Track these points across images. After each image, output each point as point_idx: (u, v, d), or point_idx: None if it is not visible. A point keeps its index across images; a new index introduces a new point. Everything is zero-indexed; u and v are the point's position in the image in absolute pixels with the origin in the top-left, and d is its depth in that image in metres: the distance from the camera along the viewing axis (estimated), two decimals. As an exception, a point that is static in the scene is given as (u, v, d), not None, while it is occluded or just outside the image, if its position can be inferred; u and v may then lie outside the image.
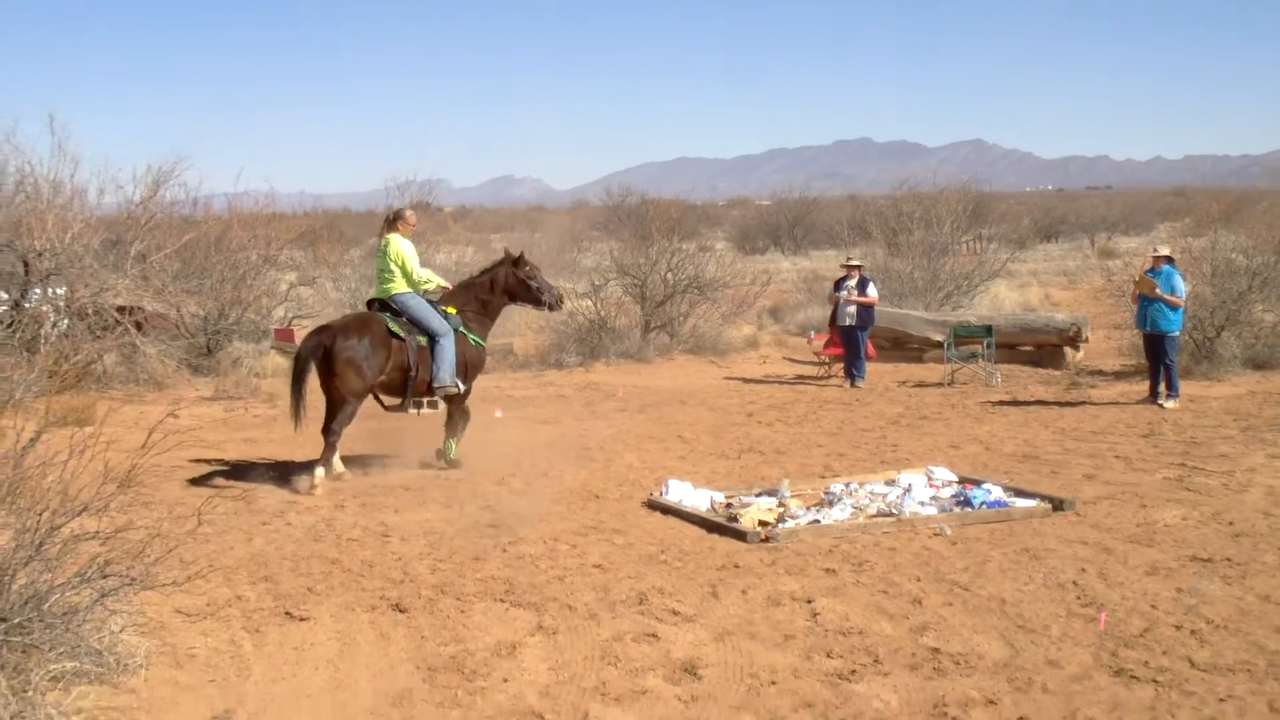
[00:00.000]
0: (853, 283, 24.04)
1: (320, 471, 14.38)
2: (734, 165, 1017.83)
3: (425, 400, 15.46)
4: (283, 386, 23.10)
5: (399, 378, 15.02)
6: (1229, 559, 10.93)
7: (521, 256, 16.13)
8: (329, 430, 14.65)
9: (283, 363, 25.44)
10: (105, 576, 8.02)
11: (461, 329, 15.49)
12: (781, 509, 12.83)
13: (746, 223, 77.71)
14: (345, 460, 14.99)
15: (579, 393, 22.65)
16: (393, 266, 15.23)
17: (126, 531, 8.52)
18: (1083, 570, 10.66)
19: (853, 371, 23.95)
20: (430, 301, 15.44)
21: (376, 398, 15.23)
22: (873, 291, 24.23)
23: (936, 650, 8.71)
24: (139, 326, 22.78)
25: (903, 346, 27.78)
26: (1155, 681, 8.06)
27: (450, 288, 15.83)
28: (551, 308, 16.53)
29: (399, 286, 15.22)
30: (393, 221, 15.53)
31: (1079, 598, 9.92)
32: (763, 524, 12.22)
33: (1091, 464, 15.46)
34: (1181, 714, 7.60)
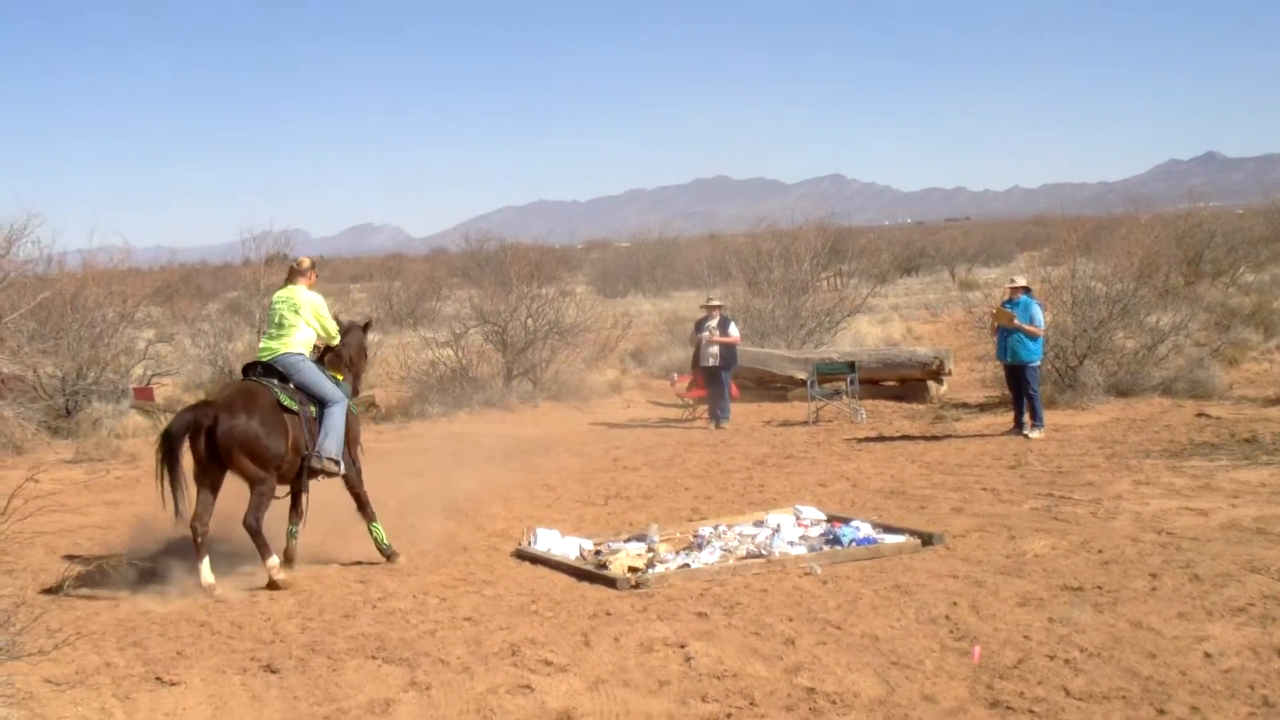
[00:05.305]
0: (714, 323, 24.06)
1: (274, 560, 12.64)
2: (592, 207, 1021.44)
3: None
4: (144, 447, 22.75)
5: (295, 460, 13.16)
6: (1099, 587, 10.95)
7: (369, 323, 15.21)
8: (249, 521, 12.51)
9: (143, 422, 25.07)
10: (-29, 648, 7.81)
11: (349, 399, 13.86)
12: (650, 554, 12.78)
13: (606, 265, 77.68)
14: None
15: (443, 444, 22.48)
16: (290, 323, 13.48)
17: (-9, 601, 8.31)
18: (954, 604, 10.64)
19: (717, 412, 23.98)
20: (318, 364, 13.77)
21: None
22: (734, 331, 24.30)
23: (812, 690, 8.64)
24: (-4, 390, 22.40)
25: (766, 386, 27.84)
26: (1031, 712, 8.03)
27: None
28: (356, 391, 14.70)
29: (288, 346, 13.40)
30: (300, 272, 13.90)
31: (952, 631, 9.89)
32: (632, 570, 12.15)
33: (959, 497, 15.53)
34: (1059, 745, 7.56)
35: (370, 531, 13.68)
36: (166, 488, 12.25)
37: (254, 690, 9.23)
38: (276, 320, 13.57)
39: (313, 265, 14.16)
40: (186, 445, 12.39)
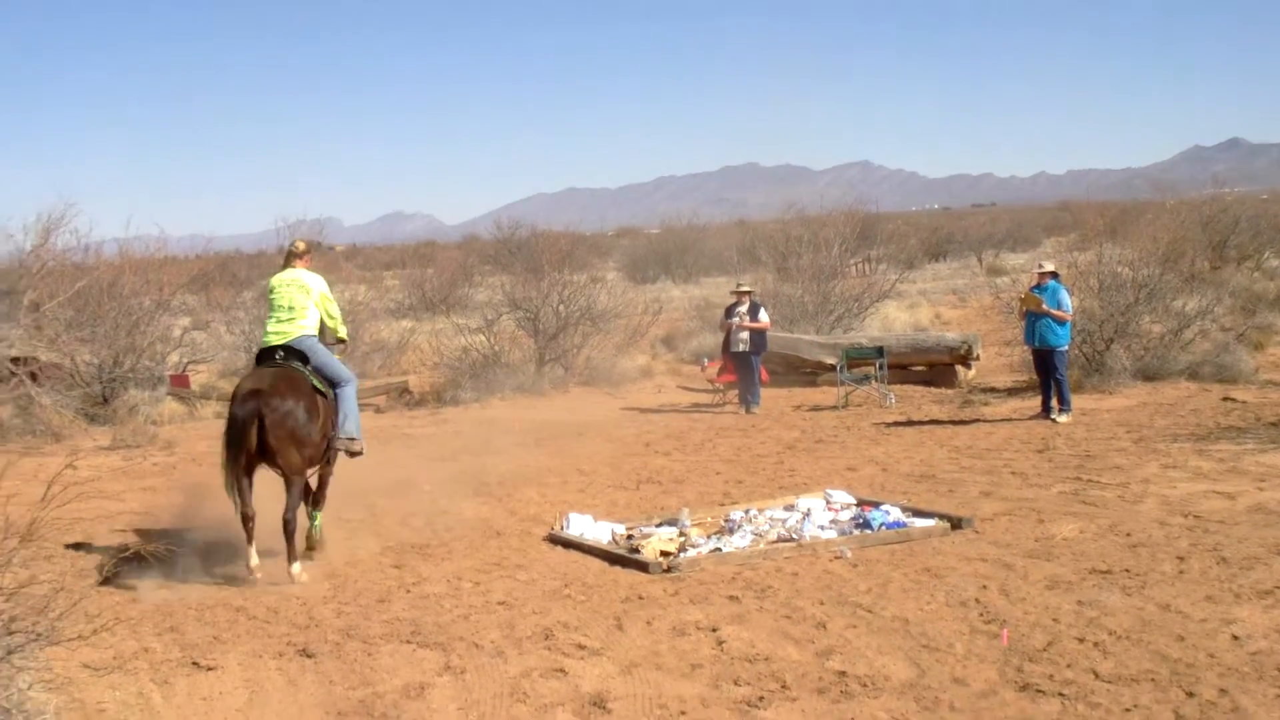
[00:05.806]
0: (744, 309, 24.08)
1: (297, 567, 12.24)
2: (622, 194, 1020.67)
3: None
4: (180, 433, 22.88)
5: (323, 445, 12.96)
6: (1128, 570, 11.01)
7: None
8: (288, 518, 12.17)
9: (179, 409, 25.17)
10: (10, 633, 7.89)
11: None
12: (682, 538, 12.84)
13: (637, 252, 77.39)
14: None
15: (476, 429, 22.55)
16: (301, 305, 13.17)
17: (30, 587, 8.38)
18: (984, 587, 10.70)
19: (747, 398, 24.00)
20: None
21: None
22: (764, 317, 24.30)
23: (843, 673, 8.71)
24: (34, 377, 22.48)
25: (796, 371, 27.87)
26: (1061, 695, 8.09)
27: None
28: None
29: (303, 329, 13.14)
30: (299, 255, 13.57)
31: (981, 615, 9.95)
32: (664, 554, 12.21)
33: (988, 481, 15.56)
34: (1088, 726, 7.64)
35: (310, 517, 13.31)
36: (233, 478, 12.17)
37: (290, 674, 9.31)
38: (286, 303, 13.24)
39: (308, 249, 13.88)
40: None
